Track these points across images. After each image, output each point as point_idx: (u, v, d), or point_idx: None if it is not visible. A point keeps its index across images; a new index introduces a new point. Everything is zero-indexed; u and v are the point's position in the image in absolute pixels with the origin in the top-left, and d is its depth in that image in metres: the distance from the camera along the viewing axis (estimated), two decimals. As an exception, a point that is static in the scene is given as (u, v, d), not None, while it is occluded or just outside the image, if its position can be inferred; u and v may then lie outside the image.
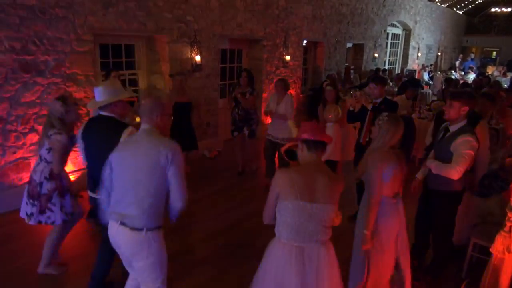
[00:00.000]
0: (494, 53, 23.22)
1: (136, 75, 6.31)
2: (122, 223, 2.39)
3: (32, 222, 3.30)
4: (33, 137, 4.75)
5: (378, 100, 4.27)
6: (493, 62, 21.32)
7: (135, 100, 3.25)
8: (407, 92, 8.36)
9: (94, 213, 3.10)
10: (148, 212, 2.39)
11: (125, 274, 2.81)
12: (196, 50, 6.60)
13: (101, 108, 2.91)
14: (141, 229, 2.38)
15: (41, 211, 3.27)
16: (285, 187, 2.19)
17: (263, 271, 2.35)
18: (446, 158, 3.18)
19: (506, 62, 18.77)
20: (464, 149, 3.05)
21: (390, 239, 2.80)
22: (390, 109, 4.17)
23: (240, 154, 6.20)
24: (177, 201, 2.43)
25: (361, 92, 4.36)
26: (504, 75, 16.46)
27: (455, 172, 3.05)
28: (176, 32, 6.26)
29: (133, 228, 2.38)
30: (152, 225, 2.42)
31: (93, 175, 2.88)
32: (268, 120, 5.93)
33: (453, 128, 3.26)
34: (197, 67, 6.69)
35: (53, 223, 3.31)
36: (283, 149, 2.53)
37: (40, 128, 4.39)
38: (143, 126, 2.48)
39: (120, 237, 2.44)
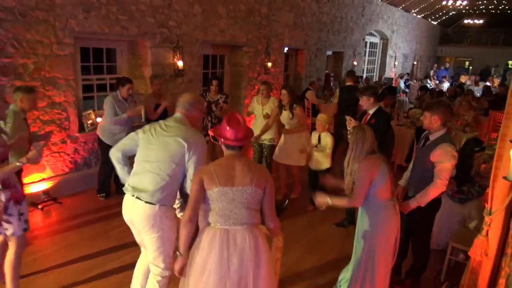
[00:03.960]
0: (467, 63, 24.04)
1: (117, 80, 6.22)
2: (138, 197, 2.56)
3: None
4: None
5: (371, 111, 4.35)
6: (466, 71, 22.05)
7: None
8: (386, 100, 8.57)
9: None
10: (163, 190, 2.56)
11: None
12: (178, 55, 6.58)
13: None
14: (155, 204, 2.55)
15: None
16: (207, 178, 2.30)
17: (190, 256, 2.37)
18: (425, 165, 3.25)
19: (479, 71, 19.44)
20: (445, 160, 3.10)
21: (391, 241, 2.93)
22: (382, 123, 4.26)
23: (210, 160, 6.17)
24: (188, 189, 2.56)
25: (350, 117, 4.35)
26: (476, 84, 17.03)
27: (440, 187, 3.11)
28: (158, 37, 6.23)
29: (148, 202, 2.55)
30: (165, 203, 2.60)
31: None
32: (251, 122, 5.95)
33: (432, 137, 3.35)
34: (179, 72, 6.66)
35: (12, 235, 2.91)
36: (210, 132, 2.81)
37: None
38: (177, 115, 2.72)
39: (134, 210, 2.60)
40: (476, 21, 21.03)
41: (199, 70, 7.22)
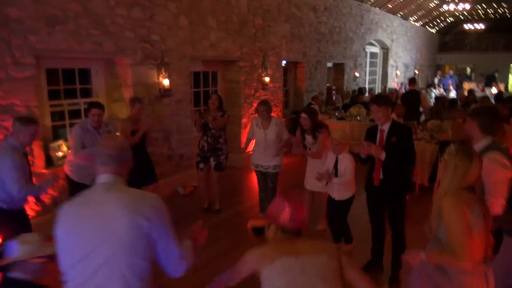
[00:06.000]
0: (469, 69, 23.43)
1: (94, 104, 5.40)
2: None
3: None
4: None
5: (385, 127, 3.48)
6: (468, 78, 21.43)
7: None
8: (397, 109, 7.75)
9: None
10: None
11: None
12: (164, 73, 5.79)
13: None
14: None
15: None
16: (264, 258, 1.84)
17: None
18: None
19: (485, 76, 18.78)
20: (495, 170, 2.40)
21: None
22: (405, 138, 3.43)
23: (206, 188, 5.41)
24: (177, 265, 1.86)
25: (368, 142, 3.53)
26: (483, 90, 16.35)
27: (495, 207, 2.37)
28: (140, 54, 5.45)
29: None
30: None
31: None
32: (251, 148, 5.15)
33: (476, 147, 2.60)
34: (165, 92, 5.86)
35: None
36: (249, 225, 2.14)
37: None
38: (104, 179, 1.81)
39: None
40: (476, 25, 20.46)
41: (189, 89, 6.42)
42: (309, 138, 4.60)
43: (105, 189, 1.77)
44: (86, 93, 5.38)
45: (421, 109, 9.47)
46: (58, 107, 4.97)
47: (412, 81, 9.42)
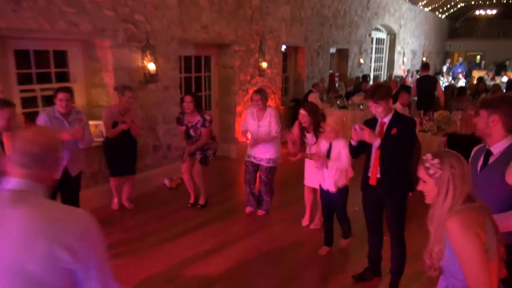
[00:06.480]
0: (478, 57, 22.68)
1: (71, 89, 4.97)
2: None
3: None
4: None
5: (386, 120, 3.03)
6: (478, 66, 20.71)
7: None
8: (402, 98, 7.26)
9: None
10: None
11: None
12: (149, 57, 5.34)
13: None
14: None
15: None
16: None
17: None
18: (497, 194, 2.09)
19: (496, 65, 18.07)
20: None
21: None
22: (407, 131, 2.98)
23: (191, 182, 5.01)
24: None
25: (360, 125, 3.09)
26: (493, 79, 15.74)
27: None
28: (121, 35, 4.99)
29: None
30: None
31: None
32: (247, 139, 4.75)
33: (495, 149, 2.14)
34: (151, 77, 5.42)
35: None
36: None
37: None
38: (15, 185, 1.34)
39: None
40: (488, 11, 19.66)
41: (177, 74, 5.96)
42: (309, 137, 4.13)
43: (12, 200, 1.30)
44: (64, 78, 4.95)
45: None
46: (29, 92, 4.56)
47: (425, 66, 8.87)
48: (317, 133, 4.00)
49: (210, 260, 3.76)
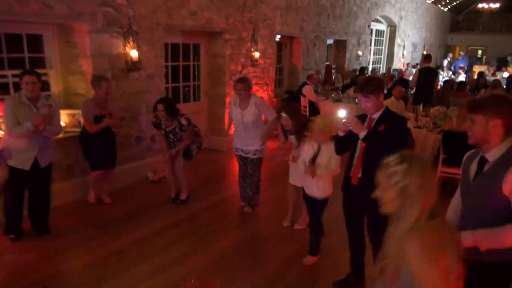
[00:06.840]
0: (480, 51, 22.33)
1: (47, 76, 4.71)
2: None
3: None
4: None
5: (376, 116, 2.80)
6: (479, 61, 20.38)
7: None
8: (396, 91, 7.07)
9: None
10: None
11: None
12: (132, 44, 5.07)
13: None
14: None
15: None
16: None
17: None
18: (490, 204, 1.88)
19: (496, 60, 17.75)
20: None
21: None
22: (395, 129, 2.74)
23: (173, 176, 4.79)
24: None
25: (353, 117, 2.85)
26: (493, 75, 15.45)
27: None
28: (100, 19, 4.71)
29: None
30: None
31: None
32: (232, 130, 4.54)
33: (491, 156, 1.89)
34: (133, 65, 5.15)
35: None
36: None
37: None
38: None
39: None
40: (491, 4, 19.27)
41: (162, 63, 5.69)
42: (292, 139, 3.94)
43: None
44: (39, 64, 4.68)
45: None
46: (1, 78, 4.30)
47: (427, 58, 8.67)
48: (300, 136, 3.78)
49: (184, 260, 3.54)
